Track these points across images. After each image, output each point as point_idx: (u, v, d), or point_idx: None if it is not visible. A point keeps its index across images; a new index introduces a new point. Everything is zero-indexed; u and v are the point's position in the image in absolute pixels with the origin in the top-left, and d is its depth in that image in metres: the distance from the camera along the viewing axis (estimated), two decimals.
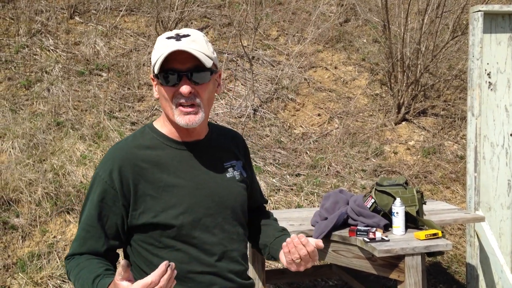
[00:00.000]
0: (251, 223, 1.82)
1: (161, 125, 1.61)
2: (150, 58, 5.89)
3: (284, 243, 1.55)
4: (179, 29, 1.59)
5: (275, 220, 1.90)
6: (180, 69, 1.48)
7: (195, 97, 1.50)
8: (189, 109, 1.50)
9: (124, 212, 1.52)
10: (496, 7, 3.76)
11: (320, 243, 1.53)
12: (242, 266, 1.65)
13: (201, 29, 6.47)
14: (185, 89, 1.47)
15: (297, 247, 1.51)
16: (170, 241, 1.52)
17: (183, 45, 1.46)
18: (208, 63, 1.49)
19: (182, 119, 1.50)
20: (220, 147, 1.68)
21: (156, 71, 1.47)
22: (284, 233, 1.76)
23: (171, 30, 5.84)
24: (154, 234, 1.52)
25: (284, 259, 1.58)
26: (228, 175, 1.65)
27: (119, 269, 1.29)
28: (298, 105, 5.85)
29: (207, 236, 1.55)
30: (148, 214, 1.51)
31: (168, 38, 1.50)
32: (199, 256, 1.54)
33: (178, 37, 1.49)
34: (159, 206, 1.51)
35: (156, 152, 1.56)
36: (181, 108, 1.50)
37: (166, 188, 1.52)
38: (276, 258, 1.70)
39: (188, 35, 1.50)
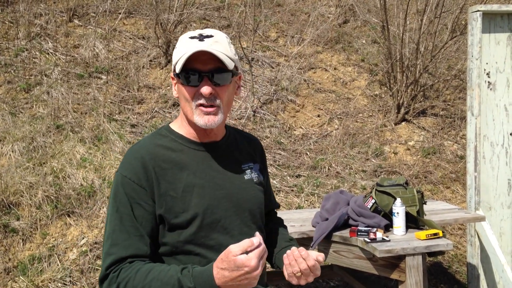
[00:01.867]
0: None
1: (179, 126, 1.61)
2: (149, 61, 5.92)
3: (284, 255, 1.53)
4: (202, 29, 1.58)
5: (285, 227, 1.89)
6: (201, 70, 1.47)
7: (215, 98, 1.50)
8: (209, 109, 1.49)
9: (154, 211, 1.48)
10: (494, 7, 3.77)
11: (320, 257, 1.49)
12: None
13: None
14: (205, 89, 1.47)
15: (297, 260, 1.49)
16: (187, 246, 1.49)
17: (205, 45, 1.46)
18: (230, 65, 1.49)
19: (201, 119, 1.50)
20: (238, 149, 1.68)
21: (177, 70, 1.47)
22: (291, 244, 1.75)
23: (169, 33, 5.87)
24: (172, 236, 1.49)
25: (285, 272, 1.56)
26: (246, 177, 1.65)
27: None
28: (298, 106, 5.86)
29: (225, 238, 1.53)
30: (168, 214, 1.48)
31: (191, 38, 1.50)
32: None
33: (201, 37, 1.49)
34: (178, 207, 1.48)
35: (175, 153, 1.55)
36: (201, 108, 1.50)
37: (186, 188, 1.50)
38: (281, 268, 1.67)
39: (211, 36, 1.50)
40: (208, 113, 1.50)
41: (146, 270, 1.38)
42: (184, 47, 1.48)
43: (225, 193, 1.56)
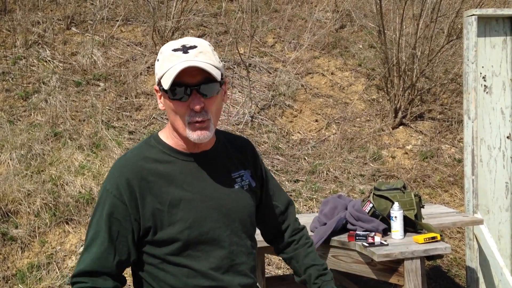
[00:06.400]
0: (287, 245, 1.85)
1: (167, 137, 1.57)
2: (147, 68, 5.93)
3: None
4: (182, 38, 1.54)
5: (310, 246, 1.88)
6: (189, 83, 1.43)
7: (206, 113, 1.46)
8: (202, 124, 1.46)
9: (136, 226, 1.47)
10: (490, 11, 3.79)
11: None
12: (250, 279, 1.60)
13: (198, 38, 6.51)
14: (197, 106, 1.43)
15: None
16: (175, 258, 1.49)
17: (192, 58, 1.42)
18: (218, 75, 1.44)
19: (194, 134, 1.47)
20: (227, 157, 1.64)
21: (166, 86, 1.42)
22: (326, 274, 1.81)
23: (167, 39, 5.89)
24: (160, 248, 1.49)
25: None
26: (236, 186, 1.61)
27: None
28: (296, 111, 5.87)
29: (214, 250, 1.52)
30: (156, 228, 1.48)
31: (175, 50, 1.44)
32: (206, 270, 1.50)
33: (185, 49, 1.44)
34: (166, 221, 1.47)
35: (163, 165, 1.52)
36: (194, 124, 1.47)
37: (173, 201, 1.48)
38: None
39: (195, 46, 1.45)
40: (200, 128, 1.46)
41: None
42: (169, 61, 1.43)
43: (213, 204, 1.54)
